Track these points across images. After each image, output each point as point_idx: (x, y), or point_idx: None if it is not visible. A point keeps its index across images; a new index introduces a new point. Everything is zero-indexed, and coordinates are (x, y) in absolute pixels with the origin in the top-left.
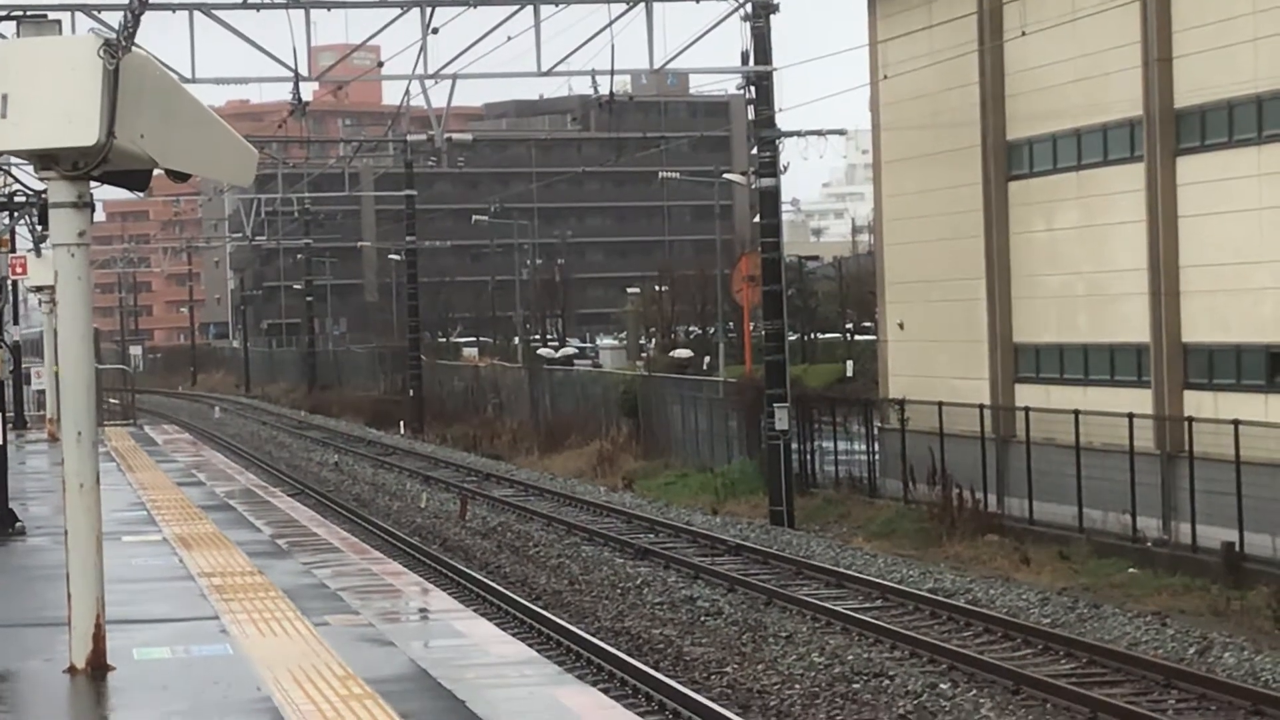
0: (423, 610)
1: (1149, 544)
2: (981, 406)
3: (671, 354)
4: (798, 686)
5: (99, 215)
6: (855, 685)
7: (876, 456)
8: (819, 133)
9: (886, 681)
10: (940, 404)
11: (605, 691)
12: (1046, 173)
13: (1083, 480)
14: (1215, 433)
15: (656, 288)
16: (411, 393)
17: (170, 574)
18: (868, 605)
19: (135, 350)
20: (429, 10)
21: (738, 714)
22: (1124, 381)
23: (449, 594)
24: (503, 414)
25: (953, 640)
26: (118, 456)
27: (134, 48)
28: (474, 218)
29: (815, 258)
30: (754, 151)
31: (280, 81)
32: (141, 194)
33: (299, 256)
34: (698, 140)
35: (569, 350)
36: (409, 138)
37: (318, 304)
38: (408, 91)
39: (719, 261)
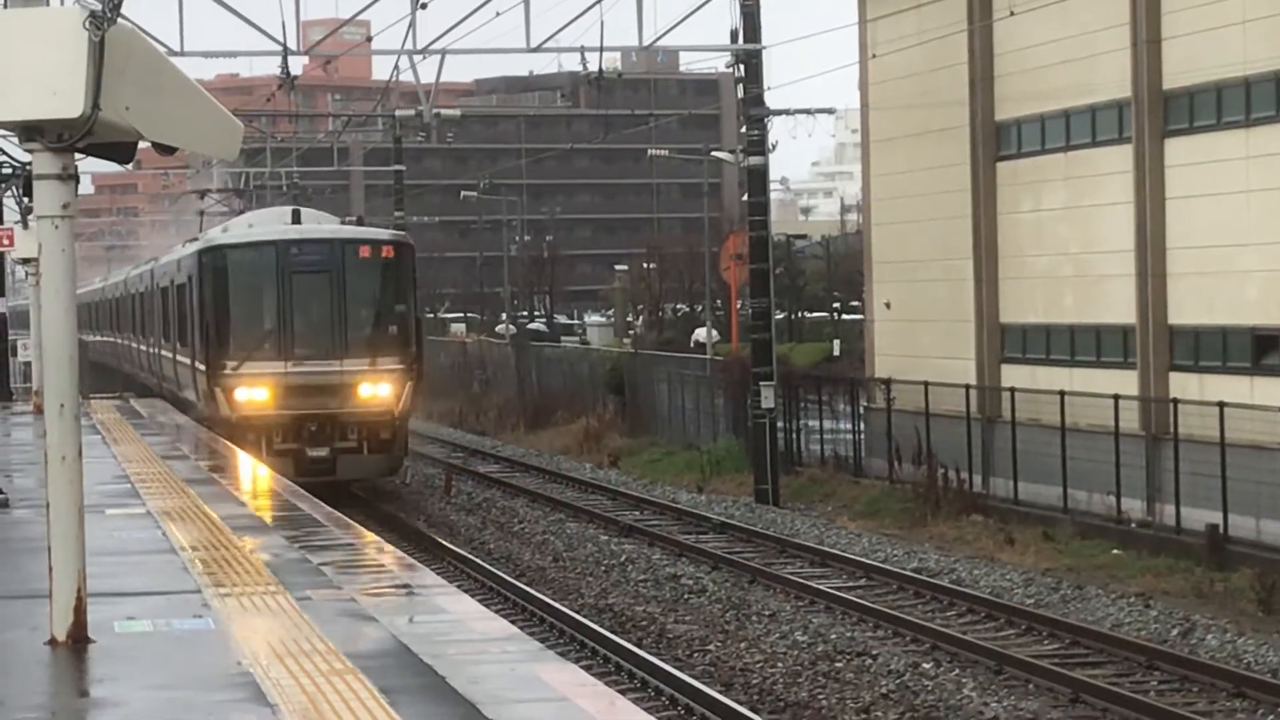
0: (405, 586)
1: (1133, 525)
2: (967, 386)
3: (694, 336)
4: (780, 665)
5: (87, 188)
6: (838, 664)
7: (862, 436)
8: (808, 111)
9: (869, 660)
10: (926, 384)
11: (587, 669)
12: (1034, 153)
13: (1068, 461)
14: (1200, 414)
15: (644, 265)
16: None
17: (153, 547)
18: (851, 584)
19: None
20: None
21: (720, 692)
22: (1110, 363)
23: (433, 570)
24: (489, 390)
25: (936, 620)
26: (102, 429)
27: (120, 20)
28: (462, 193)
29: (803, 236)
30: (743, 130)
31: (269, 55)
32: (128, 166)
33: None
34: (686, 118)
35: (537, 326)
36: (398, 113)
37: None
38: (397, 66)
39: (707, 239)
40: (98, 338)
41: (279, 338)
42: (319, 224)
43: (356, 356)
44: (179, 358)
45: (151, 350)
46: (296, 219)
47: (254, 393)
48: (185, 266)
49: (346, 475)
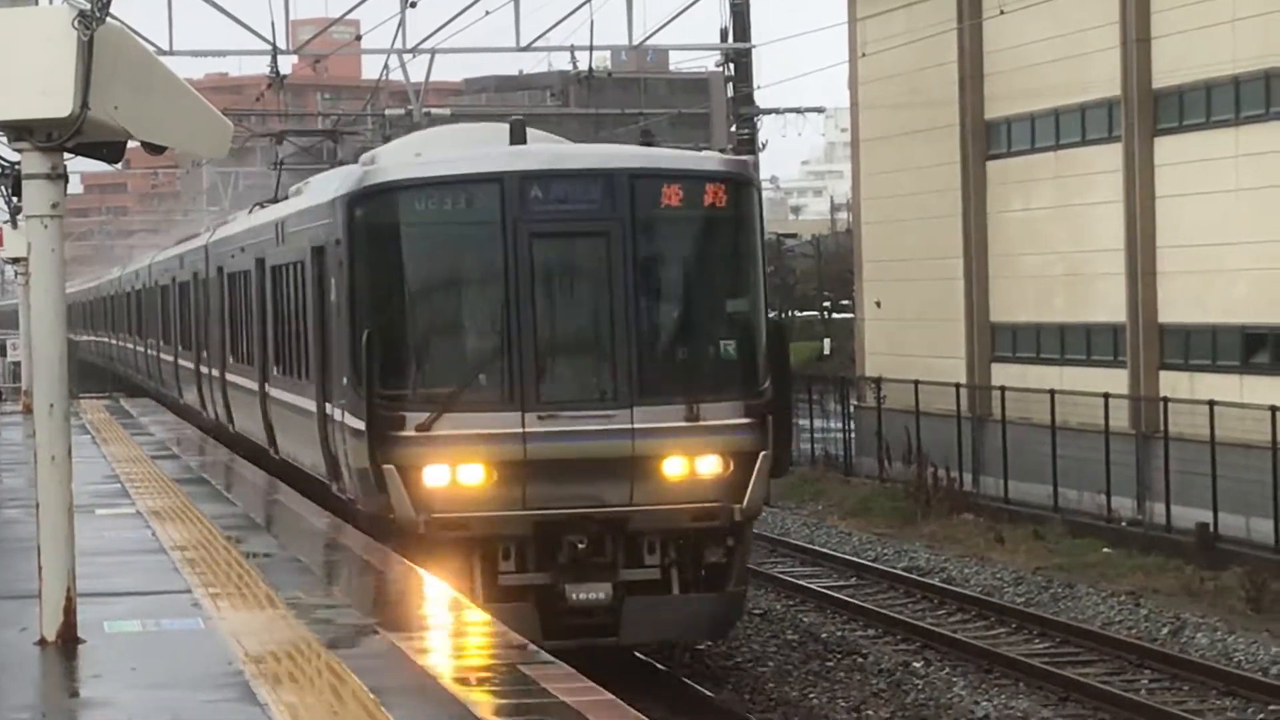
0: (398, 585)
1: (1124, 524)
2: (958, 385)
3: None
4: (771, 664)
5: (76, 188)
6: (828, 663)
7: (852, 435)
8: (798, 110)
9: (860, 659)
10: (916, 383)
11: (578, 669)
12: (1024, 152)
13: (1058, 460)
14: (1191, 413)
15: None
16: None
17: (142, 547)
18: (842, 583)
19: None
20: None
21: (710, 691)
22: (1100, 361)
23: (424, 570)
24: None
25: (926, 619)
26: (92, 429)
27: (109, 19)
28: None
29: (793, 235)
30: (733, 129)
31: (259, 55)
32: (117, 166)
33: None
34: (676, 117)
35: None
36: (387, 112)
37: None
38: (386, 65)
39: None
40: (113, 341)
41: (509, 366)
42: (559, 145)
43: (660, 400)
44: (274, 393)
45: (207, 372)
46: (520, 136)
47: (461, 473)
48: (300, 232)
49: (638, 637)
